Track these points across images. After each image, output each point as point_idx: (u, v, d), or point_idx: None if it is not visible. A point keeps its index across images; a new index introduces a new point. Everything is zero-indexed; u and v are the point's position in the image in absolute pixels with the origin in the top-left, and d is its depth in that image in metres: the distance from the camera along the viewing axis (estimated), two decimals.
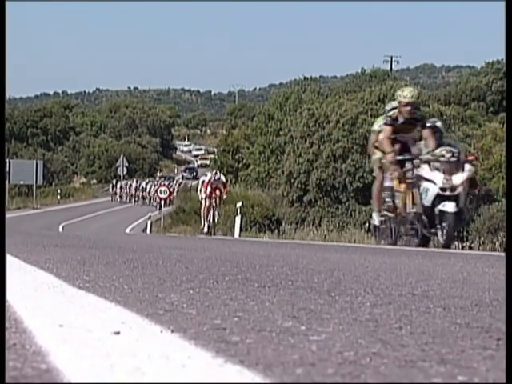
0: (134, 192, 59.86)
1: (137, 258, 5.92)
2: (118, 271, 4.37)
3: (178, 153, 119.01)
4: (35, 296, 2.91)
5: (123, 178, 62.54)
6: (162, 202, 39.58)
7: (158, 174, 72.27)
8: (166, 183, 53.19)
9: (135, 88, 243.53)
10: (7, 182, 54.79)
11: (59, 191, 64.86)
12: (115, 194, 64.25)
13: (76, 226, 38.08)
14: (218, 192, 23.70)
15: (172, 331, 2.07)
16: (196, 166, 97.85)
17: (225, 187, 24.01)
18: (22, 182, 58.95)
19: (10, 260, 5.08)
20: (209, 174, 24.17)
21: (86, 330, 2.07)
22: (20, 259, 5.28)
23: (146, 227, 35.29)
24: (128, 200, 60.45)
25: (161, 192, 39.59)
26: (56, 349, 1.78)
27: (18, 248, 7.26)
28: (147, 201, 56.59)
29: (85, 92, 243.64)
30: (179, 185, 61.42)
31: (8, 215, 39.89)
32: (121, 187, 62.99)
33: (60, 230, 34.95)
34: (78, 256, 6.05)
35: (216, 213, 24.07)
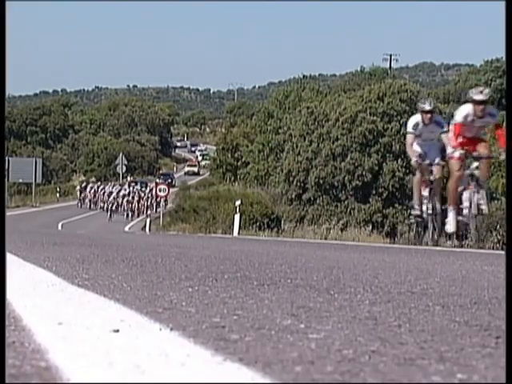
0: (107, 197, 49.73)
1: (136, 256, 5.92)
2: (117, 269, 4.37)
3: (177, 151, 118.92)
4: (34, 294, 2.91)
5: (122, 177, 62.18)
6: (162, 201, 39.54)
7: (129, 178, 63.61)
8: (137, 189, 47.06)
9: (134, 86, 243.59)
10: (6, 180, 54.77)
11: (58, 189, 64.83)
12: (84, 198, 55.29)
13: (75, 224, 38.05)
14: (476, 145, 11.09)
15: (171, 329, 2.07)
16: (184, 172, 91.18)
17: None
18: (21, 180, 58.95)
19: (9, 258, 5.08)
20: (462, 110, 11.14)
21: (85, 327, 2.07)
22: (19, 257, 5.28)
23: (145, 225, 35.28)
24: (100, 207, 51.42)
25: (160, 190, 39.55)
26: (55, 346, 1.78)
27: (17, 246, 7.26)
28: (118, 208, 46.81)
29: (84, 90, 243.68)
30: (151, 193, 46.92)
31: (7, 213, 39.85)
32: (95, 191, 54.39)
33: (59, 228, 34.95)
34: (77, 254, 6.05)
35: (480, 191, 10.91)
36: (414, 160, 11.73)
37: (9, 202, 53.38)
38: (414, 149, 11.76)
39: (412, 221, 12.57)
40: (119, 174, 62.16)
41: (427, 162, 11.68)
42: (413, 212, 12.25)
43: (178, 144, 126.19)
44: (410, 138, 11.89)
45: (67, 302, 2.65)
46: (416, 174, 12.13)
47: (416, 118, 11.90)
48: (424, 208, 11.82)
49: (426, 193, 11.74)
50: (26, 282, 3.42)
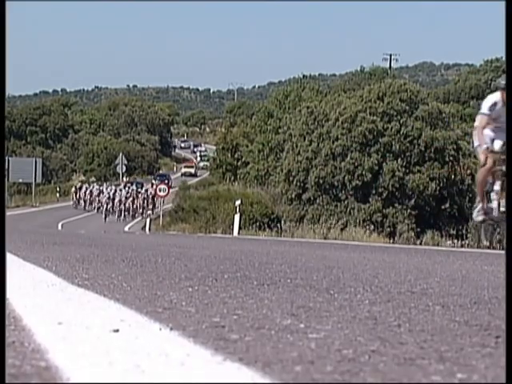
0: (102, 198, 47.98)
1: (136, 256, 5.92)
2: (117, 269, 4.37)
3: (177, 151, 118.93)
4: (34, 294, 2.91)
5: (122, 176, 62.06)
6: (161, 201, 39.56)
7: (125, 179, 61.72)
8: (132, 190, 46.02)
9: (134, 86, 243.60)
10: (6, 180, 54.75)
11: (58, 189, 64.80)
12: (79, 199, 54.21)
13: (75, 224, 38.05)
14: None
15: (171, 329, 2.07)
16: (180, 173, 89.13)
17: None
18: (21, 180, 58.96)
19: (9, 258, 5.08)
20: None
21: (84, 327, 2.07)
22: (19, 257, 5.28)
23: (144, 225, 35.29)
24: (96, 208, 49.99)
25: (160, 190, 39.58)
26: (55, 346, 1.78)
27: (18, 246, 7.26)
28: (112, 209, 45.41)
29: (84, 90, 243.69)
30: (146, 193, 46.78)
31: (7, 213, 39.81)
32: (90, 192, 53.04)
33: (59, 227, 34.95)
34: (77, 254, 6.05)
35: None
36: (484, 147, 9.51)
37: (9, 201, 53.36)
38: (486, 133, 9.67)
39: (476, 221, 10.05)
40: (119, 174, 62.04)
41: (500, 149, 9.56)
42: (476, 217, 9.99)
43: (182, 145, 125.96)
44: (483, 120, 9.68)
45: (67, 302, 2.65)
46: (483, 167, 9.74)
47: (494, 98, 9.76)
48: (494, 205, 9.71)
49: (497, 187, 9.60)
50: (26, 281, 3.42)
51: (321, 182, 31.00)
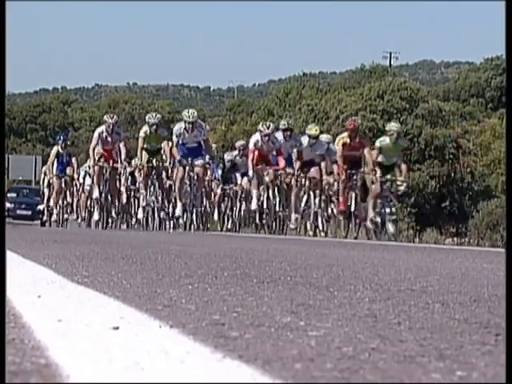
0: None
1: (136, 254, 5.92)
2: (117, 266, 4.37)
3: None
4: (34, 291, 2.91)
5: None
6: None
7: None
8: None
9: (134, 84, 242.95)
10: (6, 178, 54.75)
11: None
12: None
13: (75, 222, 37.95)
14: None
15: (171, 326, 2.07)
16: None
17: None
18: (20, 178, 58.93)
19: (9, 255, 5.07)
20: None
21: (84, 324, 2.07)
22: (19, 254, 5.28)
23: None
24: None
25: None
26: (55, 344, 1.78)
27: (17, 243, 7.26)
28: None
29: (84, 87, 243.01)
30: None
31: None
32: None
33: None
34: (76, 251, 6.05)
35: None
36: None
37: None
38: None
39: None
40: None
41: None
42: None
43: None
44: None
45: (67, 300, 2.65)
46: None
47: None
48: None
49: None
50: (25, 279, 3.42)
51: None
